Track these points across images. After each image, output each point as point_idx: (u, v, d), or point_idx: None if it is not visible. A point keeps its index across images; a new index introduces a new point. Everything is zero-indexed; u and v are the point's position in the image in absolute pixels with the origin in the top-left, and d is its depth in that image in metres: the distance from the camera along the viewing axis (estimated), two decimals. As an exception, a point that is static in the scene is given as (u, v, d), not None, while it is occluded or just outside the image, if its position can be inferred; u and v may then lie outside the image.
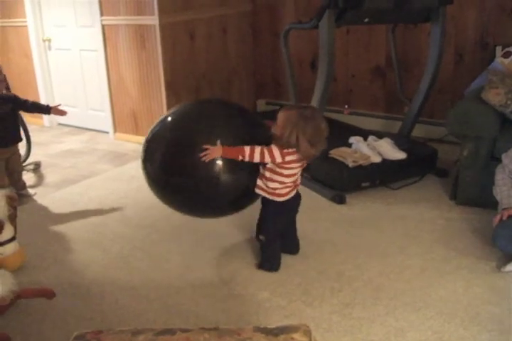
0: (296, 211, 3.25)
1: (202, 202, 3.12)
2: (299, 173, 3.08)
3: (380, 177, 4.25)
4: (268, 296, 2.98)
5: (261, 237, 3.20)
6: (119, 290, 3.12)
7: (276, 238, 3.21)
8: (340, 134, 4.59)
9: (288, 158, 2.90)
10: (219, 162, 2.93)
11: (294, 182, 3.06)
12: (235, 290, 3.05)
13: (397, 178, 4.35)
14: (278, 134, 2.90)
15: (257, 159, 2.89)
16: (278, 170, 2.95)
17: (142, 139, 5.53)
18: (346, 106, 5.16)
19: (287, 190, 3.03)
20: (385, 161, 4.26)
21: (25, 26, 6.47)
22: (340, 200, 4.05)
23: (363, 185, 4.19)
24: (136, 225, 3.92)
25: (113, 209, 4.19)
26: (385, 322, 2.74)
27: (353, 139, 4.47)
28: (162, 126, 3.21)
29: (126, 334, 1.93)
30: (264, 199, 3.10)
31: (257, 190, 3.07)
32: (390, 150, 4.32)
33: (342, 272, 3.18)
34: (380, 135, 4.62)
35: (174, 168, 3.06)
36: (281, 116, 2.92)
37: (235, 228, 3.80)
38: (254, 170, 3.06)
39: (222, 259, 3.41)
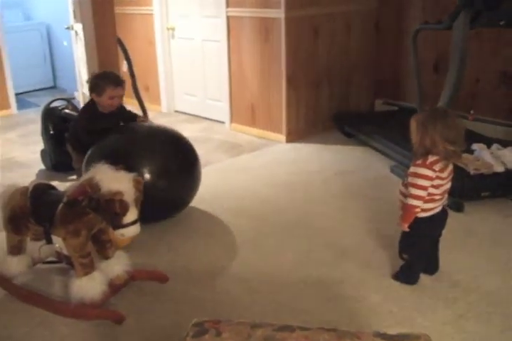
0: (441, 229, 3.07)
1: None
2: (448, 185, 2.90)
3: (502, 187, 4.07)
4: (380, 300, 2.93)
5: (404, 256, 3.07)
6: (230, 280, 3.15)
7: (421, 259, 3.07)
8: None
9: (437, 167, 2.77)
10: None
11: (442, 194, 2.88)
12: (346, 291, 3.02)
13: (519, 190, 4.16)
14: (414, 142, 2.83)
15: (423, 193, 2.80)
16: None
17: (258, 131, 5.62)
18: (472, 112, 4.99)
19: (432, 205, 2.88)
20: (508, 171, 4.09)
21: (151, 14, 6.65)
22: (458, 208, 3.92)
23: (483, 194, 4.04)
24: (250, 217, 3.94)
25: (227, 200, 4.24)
26: (500, 340, 2.63)
27: (475, 146, 4.33)
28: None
29: (245, 327, 1.93)
30: None
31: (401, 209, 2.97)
32: (514, 161, 4.15)
33: (457, 282, 3.08)
34: (504, 144, 4.44)
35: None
36: (411, 123, 2.84)
37: (351, 226, 3.78)
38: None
39: (335, 258, 3.37)
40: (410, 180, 2.83)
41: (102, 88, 3.71)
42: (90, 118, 3.81)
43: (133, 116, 4.01)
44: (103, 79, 3.75)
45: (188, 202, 3.90)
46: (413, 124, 2.83)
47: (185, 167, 3.79)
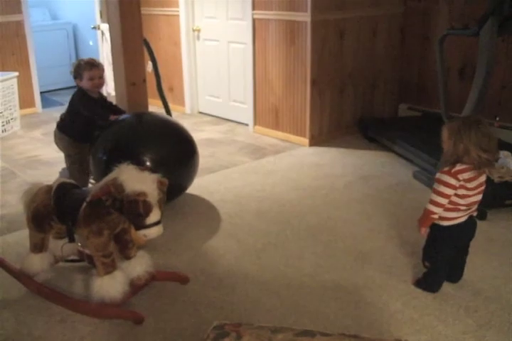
0: (468, 240, 3.03)
1: None
2: (477, 198, 2.86)
3: (526, 195, 4.03)
4: (400, 307, 2.91)
5: (426, 264, 3.03)
6: (250, 283, 3.14)
7: (442, 266, 3.02)
8: (488, 147, 4.42)
9: (462, 177, 2.74)
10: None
11: (468, 205, 2.84)
12: (367, 297, 3.00)
13: (544, 199, 4.11)
14: (445, 149, 2.80)
15: (443, 201, 2.78)
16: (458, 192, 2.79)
17: (282, 134, 5.62)
18: (497, 119, 4.94)
19: (455, 214, 2.85)
20: (533, 180, 4.05)
21: (177, 16, 6.67)
22: (481, 216, 3.87)
23: (507, 202, 4.00)
24: (271, 220, 3.94)
25: (249, 202, 4.24)
26: (521, 351, 2.61)
27: (500, 154, 4.28)
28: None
29: (265, 331, 1.93)
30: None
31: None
32: (539, 169, 4.11)
33: (479, 291, 3.05)
34: (530, 152, 4.39)
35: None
36: (444, 131, 2.81)
37: (373, 232, 3.76)
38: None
39: (356, 263, 3.36)
40: (434, 185, 2.82)
41: (80, 72, 4.02)
42: (86, 101, 4.09)
43: (110, 106, 4.28)
44: (79, 65, 4.06)
45: (186, 187, 4.14)
46: (445, 132, 2.80)
47: (184, 155, 4.04)
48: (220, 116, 6.65)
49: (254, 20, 5.71)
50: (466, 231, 2.97)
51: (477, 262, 3.33)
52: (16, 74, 6.36)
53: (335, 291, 3.05)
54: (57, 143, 4.33)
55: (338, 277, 3.20)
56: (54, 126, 6.11)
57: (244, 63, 6.03)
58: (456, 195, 2.77)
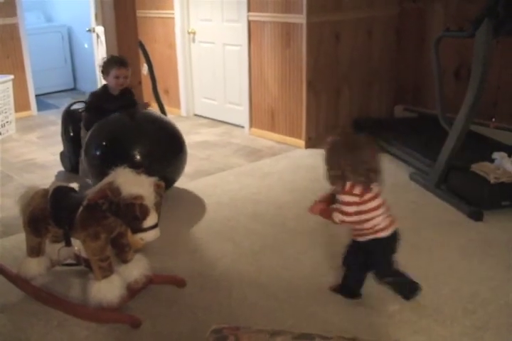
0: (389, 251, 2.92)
1: None
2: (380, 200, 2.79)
3: (523, 196, 4.04)
4: (398, 309, 2.90)
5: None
6: (247, 286, 3.14)
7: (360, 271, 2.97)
8: (484, 149, 4.43)
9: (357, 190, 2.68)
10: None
11: (382, 204, 2.77)
12: (364, 298, 2.99)
13: (540, 200, 4.11)
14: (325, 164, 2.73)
15: (346, 217, 2.73)
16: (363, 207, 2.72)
17: (278, 136, 5.61)
18: (493, 120, 4.95)
19: (383, 221, 2.78)
20: (529, 180, 4.05)
21: (172, 18, 6.67)
22: (477, 217, 3.88)
23: (503, 203, 4.00)
24: (268, 222, 3.94)
25: (245, 205, 4.24)
26: (519, 352, 2.61)
27: (496, 155, 4.29)
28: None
29: (264, 334, 1.92)
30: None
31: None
32: (535, 170, 4.11)
33: (476, 293, 3.04)
34: (526, 152, 4.40)
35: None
36: (326, 144, 2.73)
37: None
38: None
39: (353, 266, 3.34)
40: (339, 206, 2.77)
41: (108, 69, 4.14)
42: (101, 97, 4.24)
43: (134, 103, 4.33)
44: (108, 62, 4.19)
45: (175, 181, 4.27)
46: (327, 147, 2.73)
47: (172, 150, 4.19)
48: (215, 118, 6.64)
49: (249, 22, 5.72)
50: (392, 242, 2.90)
51: (474, 264, 3.33)
52: (11, 77, 6.35)
53: (332, 294, 3.05)
54: (82, 138, 4.41)
55: (336, 279, 3.17)
56: (50, 129, 6.16)
57: (239, 65, 6.03)
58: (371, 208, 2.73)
